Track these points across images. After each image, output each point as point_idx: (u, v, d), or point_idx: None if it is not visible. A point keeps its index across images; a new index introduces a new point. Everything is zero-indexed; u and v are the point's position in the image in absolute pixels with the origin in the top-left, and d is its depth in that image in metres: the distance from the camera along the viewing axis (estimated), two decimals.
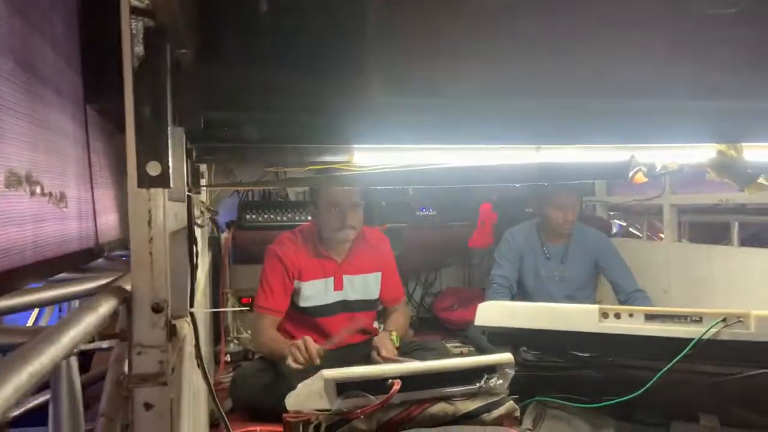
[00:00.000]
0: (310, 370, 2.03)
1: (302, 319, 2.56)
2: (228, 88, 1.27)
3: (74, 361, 0.58)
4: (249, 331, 3.12)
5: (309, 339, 2.17)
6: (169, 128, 0.80)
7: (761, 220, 2.87)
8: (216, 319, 3.02)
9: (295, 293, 2.52)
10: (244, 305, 3.17)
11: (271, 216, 3.34)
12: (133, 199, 0.79)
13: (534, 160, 1.64)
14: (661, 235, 3.44)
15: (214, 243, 3.11)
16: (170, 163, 0.79)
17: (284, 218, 3.33)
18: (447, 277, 4.02)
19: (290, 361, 2.11)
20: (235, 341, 3.17)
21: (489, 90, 1.41)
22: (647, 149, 1.75)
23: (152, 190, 0.79)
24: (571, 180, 2.18)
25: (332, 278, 2.54)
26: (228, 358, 3.02)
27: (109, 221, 1.36)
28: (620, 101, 1.51)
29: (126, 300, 0.78)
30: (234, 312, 3.21)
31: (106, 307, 0.66)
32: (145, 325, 0.78)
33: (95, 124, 1.28)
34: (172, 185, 0.80)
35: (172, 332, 0.80)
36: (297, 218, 3.30)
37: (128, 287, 0.80)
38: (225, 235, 3.20)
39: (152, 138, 0.78)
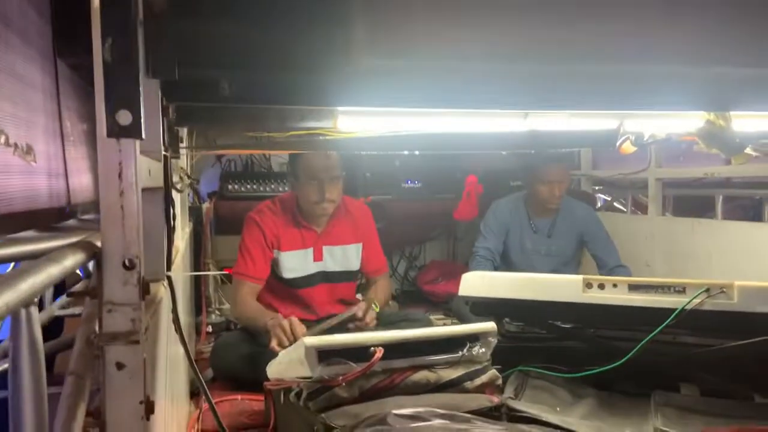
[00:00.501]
0: None
1: (282, 289, 2.53)
2: (206, 42, 1.22)
3: (35, 311, 0.55)
4: (230, 302, 3.09)
5: (295, 320, 2.11)
6: (141, 76, 0.76)
7: (745, 193, 2.88)
8: (197, 290, 2.98)
9: (275, 263, 2.49)
10: (227, 275, 3.13)
11: (254, 186, 3.29)
12: (102, 150, 0.75)
13: (522, 127, 1.61)
14: (637, 211, 3.45)
15: (195, 213, 3.06)
16: (142, 113, 0.75)
17: (267, 188, 3.29)
18: (431, 250, 4.01)
19: (274, 344, 2.05)
20: (217, 312, 3.14)
21: (478, 53, 1.37)
22: (635, 117, 1.73)
23: (123, 140, 0.75)
24: (559, 148, 2.16)
25: (312, 249, 2.51)
26: (209, 328, 2.99)
27: (82, 182, 1.32)
28: (610, 66, 1.48)
29: (96, 255, 0.74)
30: (216, 283, 3.18)
31: (71, 260, 0.62)
32: (116, 282, 0.74)
33: (68, 79, 1.23)
34: (144, 136, 0.76)
35: (145, 291, 0.77)
36: (280, 188, 3.25)
37: (98, 243, 0.76)
38: (206, 205, 3.15)
39: (122, 84, 0.73)
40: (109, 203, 0.74)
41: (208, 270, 3.12)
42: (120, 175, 0.74)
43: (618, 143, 1.65)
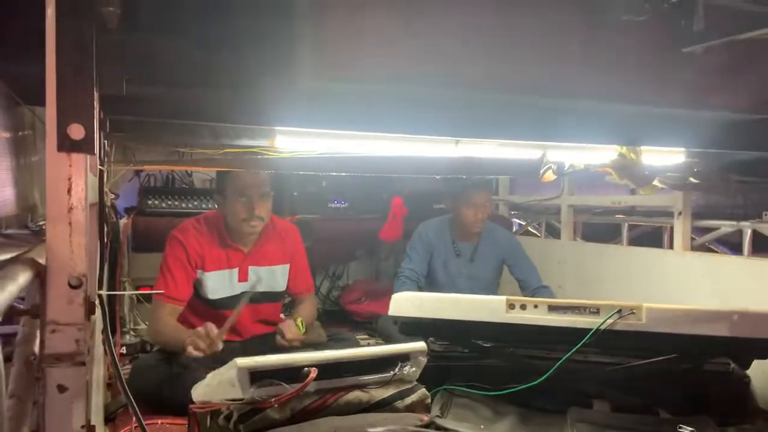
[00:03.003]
0: (211, 359, 1.96)
1: (206, 310, 2.45)
2: (147, 58, 1.20)
3: None
4: (147, 322, 2.96)
5: (210, 324, 2.07)
6: (95, 89, 0.75)
7: (648, 222, 3.10)
8: (111, 309, 2.84)
9: (198, 284, 2.42)
10: (143, 295, 3.01)
11: (175, 202, 3.20)
12: (51, 164, 0.72)
13: (454, 153, 1.67)
14: (550, 236, 3.63)
15: (112, 229, 2.93)
16: (95, 127, 0.74)
17: (189, 205, 3.20)
18: (355, 270, 4.03)
19: (190, 349, 2.01)
20: (132, 333, 3.00)
21: (417, 80, 1.43)
22: (557, 149, 1.85)
23: (73, 155, 0.73)
24: (488, 174, 2.25)
25: (237, 269, 2.46)
26: (124, 350, 2.85)
27: (5, 195, 1.25)
28: (536, 99, 1.58)
29: (39, 273, 0.71)
30: (131, 302, 3.04)
31: (23, 277, 0.60)
32: (60, 301, 0.72)
33: None
34: (96, 152, 0.74)
35: (90, 310, 0.75)
36: (203, 206, 3.18)
37: (41, 260, 0.73)
38: (124, 221, 3.02)
39: (75, 98, 0.72)
40: (57, 219, 0.72)
41: (124, 288, 2.99)
42: (69, 191, 0.72)
43: (541, 171, 1.75)
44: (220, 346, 2.03)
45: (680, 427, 1.75)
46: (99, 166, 1.06)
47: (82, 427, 0.73)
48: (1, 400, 0.52)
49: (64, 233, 0.72)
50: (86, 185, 0.74)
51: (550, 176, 1.80)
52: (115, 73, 0.86)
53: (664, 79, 1.55)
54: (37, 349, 0.73)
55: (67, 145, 0.71)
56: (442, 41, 1.43)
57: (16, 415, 0.64)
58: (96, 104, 1.09)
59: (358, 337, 3.00)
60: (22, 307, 0.77)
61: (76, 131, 0.71)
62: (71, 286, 0.72)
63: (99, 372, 1.35)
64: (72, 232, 0.72)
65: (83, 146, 0.72)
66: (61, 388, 0.71)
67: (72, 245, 0.72)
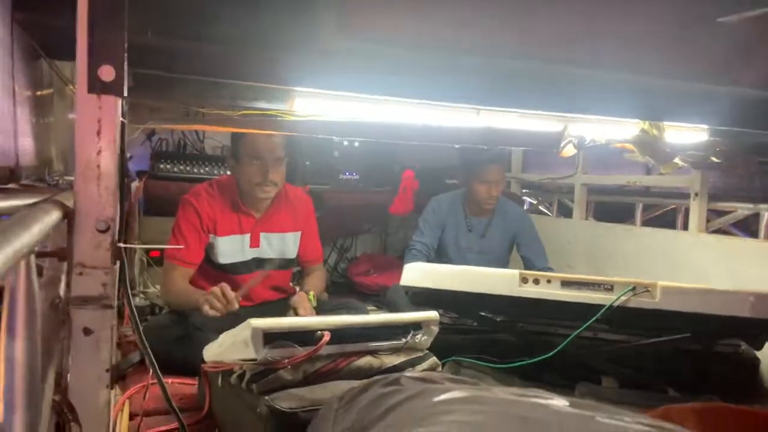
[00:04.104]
0: (223, 321, 1.97)
1: (216, 275, 2.46)
2: (165, 8, 1.18)
3: (33, 261, 0.52)
4: (157, 286, 2.97)
5: (225, 285, 2.09)
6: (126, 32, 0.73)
7: (662, 202, 3.08)
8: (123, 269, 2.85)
9: (210, 248, 2.42)
10: (153, 258, 3.02)
11: (187, 167, 3.19)
12: (82, 106, 0.71)
13: (475, 123, 1.65)
14: (560, 215, 3.61)
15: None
16: (125, 70, 0.72)
17: (201, 171, 3.20)
18: (363, 243, 4.03)
19: (207, 309, 2.02)
20: (141, 295, 3.02)
21: (440, 46, 1.40)
22: (577, 122, 1.82)
23: (103, 97, 0.72)
24: (509, 146, 2.23)
25: (249, 235, 2.46)
26: None
27: (24, 146, 1.24)
28: (560, 69, 1.55)
29: (67, 215, 0.70)
30: (141, 265, 3.05)
31: (55, 215, 0.59)
32: (87, 244, 0.71)
33: (18, 36, 1.15)
34: (126, 94, 0.73)
35: (116, 255, 0.74)
36: (214, 172, 3.18)
37: (68, 203, 0.73)
38: (136, 184, 3.02)
39: (107, 39, 0.70)
40: (85, 161, 0.71)
41: (135, 251, 2.99)
42: (99, 134, 0.71)
43: (562, 145, 1.72)
44: (236, 305, 2.04)
45: None
46: (121, 118, 1.04)
47: (107, 370, 0.73)
48: (37, 341, 0.52)
49: (92, 176, 0.71)
50: (116, 129, 0.73)
51: (570, 150, 1.78)
52: (140, 21, 0.85)
53: (692, 52, 1.51)
54: (62, 291, 0.73)
55: (97, 87, 0.70)
56: (467, 8, 1.40)
57: (43, 356, 0.64)
58: None
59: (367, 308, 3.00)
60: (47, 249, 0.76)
61: (107, 72, 0.70)
62: (98, 231, 0.71)
63: None
64: (101, 175, 0.72)
65: (113, 88, 0.71)
66: (87, 331, 0.71)
67: (100, 188, 0.72)
